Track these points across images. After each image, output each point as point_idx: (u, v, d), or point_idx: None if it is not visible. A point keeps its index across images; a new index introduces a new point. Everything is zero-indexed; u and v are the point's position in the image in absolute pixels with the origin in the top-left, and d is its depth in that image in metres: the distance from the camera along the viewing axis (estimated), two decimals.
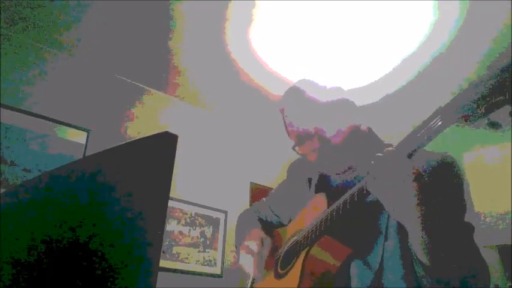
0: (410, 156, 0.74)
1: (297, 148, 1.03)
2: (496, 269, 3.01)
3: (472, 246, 0.84)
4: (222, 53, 2.71)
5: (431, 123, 0.70)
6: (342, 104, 1.02)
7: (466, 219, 0.91)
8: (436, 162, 0.89)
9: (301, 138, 1.00)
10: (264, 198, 1.40)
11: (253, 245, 1.12)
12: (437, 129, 0.69)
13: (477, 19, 2.35)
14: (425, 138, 0.71)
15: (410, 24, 2.42)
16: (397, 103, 3.14)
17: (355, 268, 0.89)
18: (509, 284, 2.88)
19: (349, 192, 0.86)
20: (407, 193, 0.72)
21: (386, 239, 0.87)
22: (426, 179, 0.77)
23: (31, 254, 0.53)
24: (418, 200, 0.73)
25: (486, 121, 0.64)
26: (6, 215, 0.59)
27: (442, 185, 0.85)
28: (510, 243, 2.83)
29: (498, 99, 0.60)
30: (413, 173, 0.73)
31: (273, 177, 3.44)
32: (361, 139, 1.01)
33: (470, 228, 0.88)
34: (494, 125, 0.64)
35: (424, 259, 0.77)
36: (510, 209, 2.90)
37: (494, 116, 0.63)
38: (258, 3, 2.30)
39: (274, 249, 1.15)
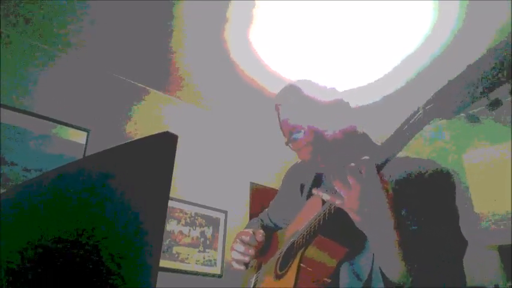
0: (384, 164, 0.74)
1: (290, 144, 1.03)
2: (496, 269, 3.01)
3: (455, 262, 0.82)
4: (222, 53, 2.71)
5: (411, 120, 0.71)
6: (338, 105, 1.02)
7: (465, 224, 0.90)
8: (430, 170, 0.89)
9: (294, 134, 1.00)
10: (266, 209, 1.43)
11: (244, 236, 1.15)
12: (417, 126, 0.69)
13: (477, 19, 2.35)
14: (407, 134, 0.71)
15: (410, 24, 2.42)
16: (397, 103, 3.13)
17: (345, 278, 0.90)
18: (509, 284, 2.88)
19: (323, 208, 0.88)
20: (377, 206, 0.73)
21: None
22: (411, 187, 0.78)
23: (31, 253, 0.53)
24: (390, 212, 0.73)
25: (465, 115, 0.64)
26: (6, 215, 0.59)
27: (433, 194, 0.86)
28: (510, 243, 2.83)
29: (475, 91, 0.60)
30: (383, 183, 0.73)
31: (273, 177, 3.44)
32: (356, 141, 1.01)
33: (460, 243, 0.84)
34: (473, 119, 0.65)
35: (392, 274, 0.77)
36: (510, 209, 2.90)
37: (472, 111, 0.63)
38: (258, 3, 2.30)
39: (267, 246, 1.17)
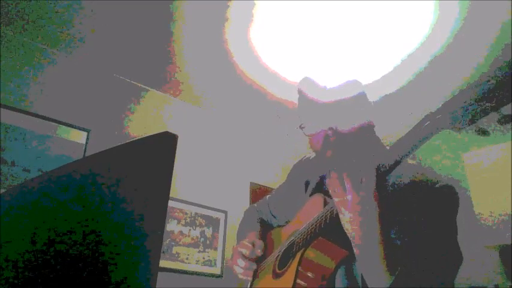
0: (389, 171, 0.74)
1: (304, 130, 1.01)
2: (496, 269, 3.01)
3: (447, 277, 0.81)
4: (222, 53, 2.71)
5: (420, 129, 0.70)
6: (357, 100, 1.01)
7: (465, 224, 0.90)
8: (436, 184, 0.88)
9: (316, 137, 0.99)
10: (266, 196, 1.40)
11: (244, 250, 1.15)
12: (425, 136, 0.69)
13: (477, 19, 2.35)
14: (413, 145, 0.71)
15: (410, 24, 2.42)
16: (397, 103, 3.14)
17: (341, 282, 0.90)
18: (509, 284, 2.89)
19: (327, 208, 0.88)
20: (366, 216, 0.74)
21: None
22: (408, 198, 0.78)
23: (31, 254, 0.53)
24: (379, 225, 0.74)
25: (474, 128, 0.64)
26: (6, 215, 0.59)
27: (436, 208, 0.85)
28: (510, 243, 2.83)
29: (486, 106, 0.60)
30: (376, 197, 0.73)
31: (273, 177, 3.45)
32: (367, 139, 1.00)
33: (454, 260, 0.84)
34: (482, 133, 0.64)
35: (375, 283, 0.77)
36: (510, 209, 2.90)
37: (482, 123, 0.63)
38: (258, 3, 2.30)
39: (264, 254, 1.16)
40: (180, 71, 2.94)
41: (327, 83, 1.03)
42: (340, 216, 0.78)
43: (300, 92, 1.05)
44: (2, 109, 2.37)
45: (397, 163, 0.74)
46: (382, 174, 0.74)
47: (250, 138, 3.65)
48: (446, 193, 0.87)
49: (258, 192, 3.39)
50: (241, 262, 1.15)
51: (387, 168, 0.74)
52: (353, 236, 0.78)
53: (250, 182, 3.45)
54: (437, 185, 0.87)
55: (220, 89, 3.16)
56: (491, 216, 3.00)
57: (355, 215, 0.75)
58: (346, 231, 0.79)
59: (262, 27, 2.48)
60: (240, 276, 1.18)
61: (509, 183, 2.87)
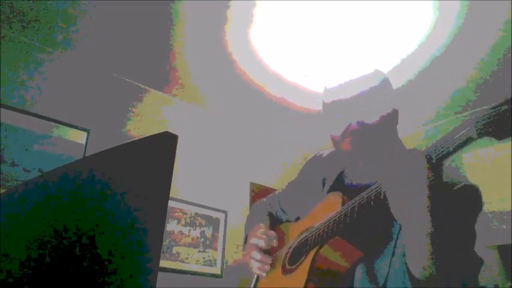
0: (438, 160, 0.73)
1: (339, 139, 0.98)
2: (496, 269, 3.01)
3: (473, 277, 0.81)
4: (222, 53, 2.71)
5: (464, 131, 0.69)
6: (380, 89, 1.01)
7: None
8: (460, 184, 0.87)
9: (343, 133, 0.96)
10: (277, 192, 1.37)
11: (260, 241, 1.11)
12: (467, 140, 0.69)
13: (477, 19, 2.35)
14: (455, 145, 0.70)
15: (410, 24, 2.42)
16: (397, 103, 3.13)
17: (360, 280, 0.88)
18: (509, 284, 2.88)
19: (365, 193, 0.85)
20: (420, 198, 0.73)
21: (393, 255, 0.85)
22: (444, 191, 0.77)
23: (31, 254, 0.53)
24: (429, 205, 0.72)
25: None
26: (6, 215, 0.59)
27: (459, 210, 0.84)
28: (510, 243, 2.83)
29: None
30: (429, 178, 0.72)
31: (273, 177, 3.45)
32: (393, 123, 0.99)
33: (478, 261, 0.84)
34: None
35: (418, 272, 0.76)
36: (510, 209, 2.90)
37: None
38: (258, 3, 2.30)
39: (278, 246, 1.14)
40: (180, 71, 2.94)
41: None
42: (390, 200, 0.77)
43: (326, 104, 1.02)
44: (2, 109, 2.37)
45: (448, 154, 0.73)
46: (436, 163, 0.73)
47: (250, 138, 3.65)
48: (469, 196, 0.86)
49: (258, 192, 3.39)
50: (257, 254, 1.09)
51: (440, 156, 0.73)
52: (399, 217, 0.76)
53: (250, 182, 3.45)
54: (459, 186, 0.86)
55: (220, 89, 3.16)
56: (491, 216, 3.00)
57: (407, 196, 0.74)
58: (395, 216, 0.77)
59: (262, 27, 2.48)
60: (256, 271, 1.12)
61: (509, 183, 2.87)
